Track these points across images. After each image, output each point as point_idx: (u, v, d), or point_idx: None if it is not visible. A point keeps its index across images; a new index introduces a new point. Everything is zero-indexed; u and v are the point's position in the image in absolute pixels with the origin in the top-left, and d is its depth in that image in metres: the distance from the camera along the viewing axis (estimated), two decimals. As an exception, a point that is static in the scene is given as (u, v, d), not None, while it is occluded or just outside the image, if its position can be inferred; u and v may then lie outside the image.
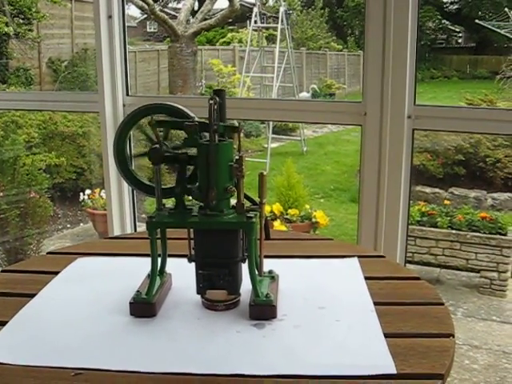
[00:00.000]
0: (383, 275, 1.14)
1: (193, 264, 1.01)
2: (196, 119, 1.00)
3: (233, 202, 1.00)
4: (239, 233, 0.99)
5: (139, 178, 1.07)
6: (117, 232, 2.37)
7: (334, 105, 2.07)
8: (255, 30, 8.82)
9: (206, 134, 0.97)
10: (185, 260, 1.03)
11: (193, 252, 1.01)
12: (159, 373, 0.82)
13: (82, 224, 5.98)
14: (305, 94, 9.95)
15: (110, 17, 2.21)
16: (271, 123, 7.54)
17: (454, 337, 0.88)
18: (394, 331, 0.91)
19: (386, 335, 0.89)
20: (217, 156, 0.95)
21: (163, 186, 1.03)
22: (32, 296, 1.10)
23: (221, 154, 0.95)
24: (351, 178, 6.91)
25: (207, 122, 0.94)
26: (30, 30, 7.55)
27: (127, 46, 2.31)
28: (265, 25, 9.09)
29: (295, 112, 1.99)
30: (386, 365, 0.81)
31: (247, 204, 1.00)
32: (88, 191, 5.56)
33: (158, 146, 0.99)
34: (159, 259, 1.07)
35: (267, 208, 5.02)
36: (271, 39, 10.30)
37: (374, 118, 1.84)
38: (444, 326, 0.91)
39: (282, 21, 7.91)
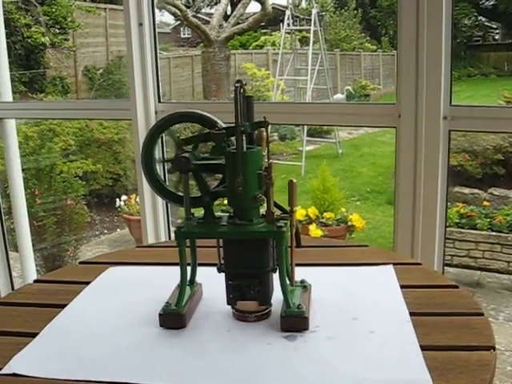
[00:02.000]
0: (419, 283, 1.10)
1: (223, 274, 0.99)
2: (223, 126, 0.98)
3: (263, 211, 0.98)
4: (269, 242, 0.97)
5: (167, 187, 1.06)
6: (151, 238, 2.37)
7: (367, 107, 2.03)
8: (288, 33, 8.81)
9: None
10: (216, 269, 1.01)
11: (222, 262, 1.00)
12: (188, 387, 0.80)
13: (118, 230, 6.05)
14: (339, 96, 9.88)
15: (140, 24, 2.21)
16: (305, 126, 7.50)
17: (494, 349, 0.84)
18: (430, 343, 0.87)
19: (423, 348, 0.85)
20: (245, 164, 0.92)
21: (191, 195, 1.01)
22: (63, 307, 1.09)
23: (249, 162, 0.93)
24: (387, 180, 6.81)
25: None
26: (65, 40, 7.69)
27: (158, 52, 2.31)
28: (297, 27, 9.04)
29: (328, 115, 1.96)
30: (423, 379, 0.77)
31: (278, 212, 0.98)
32: (124, 197, 5.61)
33: (185, 154, 0.97)
34: (189, 269, 1.06)
35: (302, 212, 4.99)
36: (304, 41, 10.27)
37: (409, 119, 1.79)
38: (484, 338, 0.87)
39: (314, 23, 7.87)
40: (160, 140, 1.09)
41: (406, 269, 1.19)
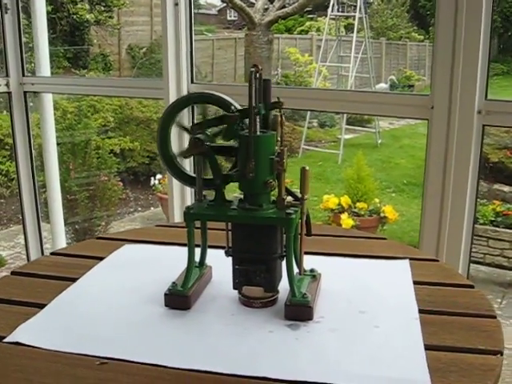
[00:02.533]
0: (434, 280, 1.07)
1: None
2: (238, 108, 0.96)
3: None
4: (278, 229, 0.95)
5: (182, 169, 1.05)
6: (177, 218, 2.38)
7: (399, 97, 1.98)
8: (333, 19, 8.69)
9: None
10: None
11: (230, 246, 0.98)
12: (183, 369, 0.80)
13: (152, 208, 6.11)
14: (382, 86, 9.72)
15: (176, 4, 2.20)
16: (345, 114, 7.41)
17: (502, 354, 0.81)
18: (436, 343, 0.84)
19: (427, 347, 0.83)
20: (257, 148, 0.91)
21: (204, 177, 1.00)
22: (74, 280, 1.10)
23: (261, 147, 0.91)
24: (424, 174, 6.68)
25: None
26: (110, 17, 7.76)
27: (193, 33, 2.30)
28: (342, 13, 8.91)
29: (356, 104, 1.92)
30: (422, 380, 0.75)
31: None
32: (159, 176, 5.66)
33: (198, 136, 0.96)
34: (198, 251, 1.05)
35: (335, 200, 4.95)
36: (350, 28, 10.11)
37: (442, 112, 1.74)
38: (492, 342, 0.84)
39: (360, 9, 7.74)
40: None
41: (423, 265, 1.15)
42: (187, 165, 1.97)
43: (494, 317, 0.92)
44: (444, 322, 0.91)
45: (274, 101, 0.95)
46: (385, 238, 1.32)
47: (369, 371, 0.78)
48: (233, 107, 0.96)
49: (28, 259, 3.09)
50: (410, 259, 1.16)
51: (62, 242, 3.09)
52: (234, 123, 0.93)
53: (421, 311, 0.94)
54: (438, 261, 1.19)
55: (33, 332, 0.91)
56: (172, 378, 0.79)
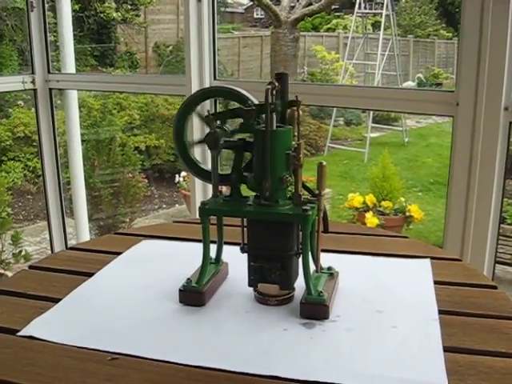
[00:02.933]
0: (456, 280, 1.04)
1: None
2: (255, 102, 0.95)
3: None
4: (295, 225, 0.93)
5: (198, 163, 1.04)
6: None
7: (424, 94, 1.94)
8: (360, 17, 8.61)
9: (266, 119, 0.91)
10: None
11: (246, 242, 0.97)
12: (194, 366, 0.79)
13: (177, 205, 6.14)
14: (410, 83, 9.62)
15: (199, 0, 2.20)
16: (371, 112, 7.35)
17: (524, 358, 0.78)
18: (455, 345, 0.82)
19: (446, 349, 0.80)
20: (273, 143, 0.89)
21: (220, 173, 0.99)
22: (90, 275, 1.10)
23: (277, 141, 0.90)
24: (450, 172, 6.58)
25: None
26: (137, 16, 7.80)
27: (216, 29, 2.29)
28: (370, 11, 8.82)
29: (382, 100, 1.89)
30: (439, 383, 0.73)
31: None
32: (183, 173, 5.67)
33: (215, 130, 0.95)
34: (214, 247, 1.04)
35: (360, 199, 4.90)
36: (377, 26, 10.01)
37: (467, 108, 1.70)
38: (514, 344, 0.81)
39: (387, 7, 7.65)
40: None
41: (445, 264, 1.13)
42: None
43: (517, 318, 0.89)
44: (464, 324, 0.88)
45: (291, 99, 0.93)
46: (406, 237, 1.30)
47: (384, 372, 0.76)
48: (250, 102, 0.95)
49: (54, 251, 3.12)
50: (432, 258, 1.13)
51: (86, 238, 3.12)
52: (250, 117, 0.92)
53: (440, 312, 0.91)
54: (460, 260, 1.15)
55: (46, 326, 0.90)
56: (183, 375, 0.78)
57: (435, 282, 1.03)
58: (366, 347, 0.82)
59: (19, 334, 0.88)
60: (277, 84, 0.89)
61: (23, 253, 3.43)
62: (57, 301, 0.99)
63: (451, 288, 1.01)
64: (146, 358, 0.81)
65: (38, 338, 0.87)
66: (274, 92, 0.89)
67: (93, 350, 0.84)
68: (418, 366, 0.77)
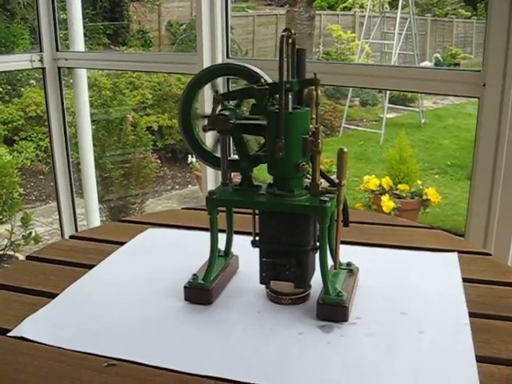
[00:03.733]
0: (486, 278, 0.95)
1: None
2: (269, 81, 0.86)
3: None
4: (311, 218, 0.85)
5: (205, 148, 0.95)
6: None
7: (447, 73, 1.83)
8: (377, -5, 8.42)
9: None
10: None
11: (257, 235, 0.89)
12: (199, 375, 0.71)
13: (190, 186, 6.07)
14: (427, 64, 9.44)
15: (212, -23, 2.10)
16: (388, 92, 7.21)
17: None
18: (489, 355, 0.73)
19: (479, 359, 0.72)
20: (288, 126, 0.80)
21: (230, 158, 0.90)
22: (90, 267, 1.03)
23: (293, 124, 0.81)
24: (470, 155, 6.43)
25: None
26: (150, -7, 7.67)
27: (229, 6, 2.19)
28: (387, -12, 8.62)
29: (401, 80, 1.78)
30: (474, 400, 0.64)
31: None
32: (196, 154, 5.59)
33: (225, 111, 0.86)
34: (224, 239, 0.96)
35: (376, 181, 4.79)
36: (394, 5, 9.81)
37: (495, 89, 1.59)
38: (557, 355, 0.72)
39: (405, -16, 7.46)
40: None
41: (473, 259, 1.04)
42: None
43: (558, 324, 0.80)
44: (499, 329, 0.79)
45: (309, 77, 0.83)
46: (431, 227, 1.21)
47: (411, 386, 0.67)
48: (263, 80, 0.86)
49: (62, 236, 3.07)
50: (459, 252, 1.04)
51: (96, 220, 3.07)
52: (263, 98, 0.83)
53: (472, 314, 0.83)
54: (490, 255, 1.06)
55: (39, 326, 0.83)
56: (185, 385, 0.70)
57: (464, 280, 0.94)
58: (390, 356, 0.73)
59: (9, 334, 0.81)
60: (293, 32, 0.80)
61: (33, 235, 3.38)
62: (53, 296, 0.92)
63: (481, 286, 0.92)
64: (146, 365, 0.73)
65: (29, 340, 0.80)
66: (290, 41, 0.79)
67: (88, 354, 0.76)
68: (449, 379, 0.68)
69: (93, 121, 2.98)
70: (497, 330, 0.79)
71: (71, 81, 2.86)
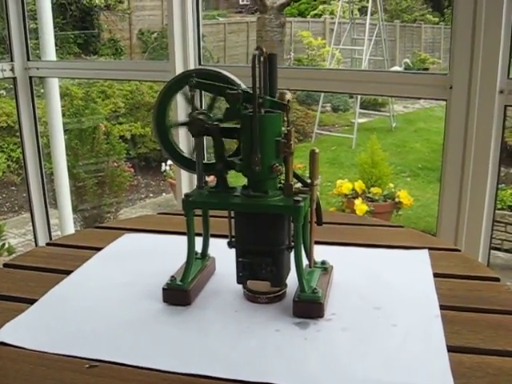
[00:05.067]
0: (456, 273, 0.99)
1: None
2: (242, 86, 0.88)
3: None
4: (286, 217, 0.87)
5: (180, 152, 0.97)
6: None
7: (415, 77, 1.87)
8: (346, 2, 8.52)
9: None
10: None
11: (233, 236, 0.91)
12: (179, 373, 0.72)
13: (164, 194, 6.06)
14: (397, 69, 9.56)
15: (182, -16, 2.12)
16: (359, 97, 7.29)
17: (535, 358, 0.72)
18: (460, 344, 0.76)
19: (450, 348, 0.75)
20: (262, 129, 0.82)
21: (205, 162, 0.92)
22: (68, 273, 1.03)
23: (266, 127, 0.83)
24: (441, 157, 6.54)
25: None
26: (120, 2, 7.66)
27: (201, 14, 2.21)
28: (356, -5, 8.73)
29: (371, 84, 1.82)
30: (445, 387, 0.67)
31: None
32: (170, 162, 5.58)
33: (199, 116, 0.88)
34: (200, 240, 0.97)
35: (349, 185, 4.85)
36: (364, 11, 9.93)
37: (461, 92, 1.64)
38: (523, 343, 0.76)
39: (373, -9, 7.57)
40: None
41: (443, 255, 1.07)
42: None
43: (524, 314, 0.84)
44: (468, 320, 0.82)
45: (282, 102, 0.86)
46: (402, 226, 1.24)
47: (385, 377, 0.70)
48: (237, 86, 0.88)
49: (36, 246, 3.04)
50: (430, 249, 1.08)
51: (70, 230, 3.05)
52: (237, 102, 0.85)
53: (442, 307, 0.86)
54: (459, 251, 1.10)
55: (19, 331, 0.84)
56: (166, 383, 0.71)
57: (435, 275, 0.97)
58: (365, 349, 0.76)
59: (-11, 339, 0.82)
60: (264, 50, 0.82)
61: (6, 246, 3.35)
62: (32, 302, 0.93)
63: (452, 281, 0.96)
64: (127, 365, 0.74)
65: (10, 345, 0.80)
66: (262, 59, 0.82)
67: (70, 356, 0.77)
68: (422, 368, 0.71)
69: (65, 130, 2.96)
70: (466, 321, 0.82)
71: (42, 90, 2.85)
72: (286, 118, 0.86)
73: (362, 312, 0.86)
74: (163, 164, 5.65)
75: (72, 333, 0.83)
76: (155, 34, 8.57)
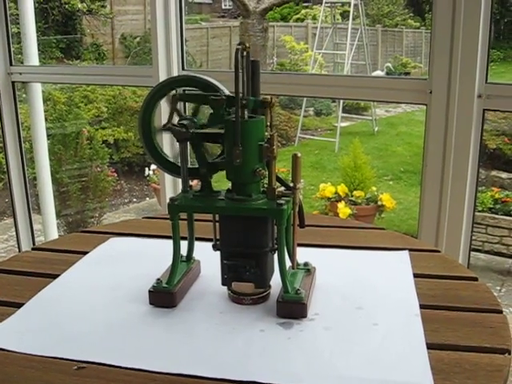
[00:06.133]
0: (436, 273, 1.01)
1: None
2: (226, 93, 0.90)
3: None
4: (269, 220, 0.89)
5: (165, 156, 0.99)
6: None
7: (396, 82, 1.91)
8: (328, 6, 8.59)
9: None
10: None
11: (218, 239, 0.92)
12: (166, 373, 0.74)
13: (147, 199, 6.05)
14: (379, 73, 9.66)
15: (165, -11, 2.13)
16: (341, 101, 7.34)
17: (510, 353, 0.75)
18: (439, 341, 0.78)
19: (429, 346, 0.77)
20: (245, 134, 0.84)
21: (189, 166, 0.94)
22: (55, 277, 1.04)
23: (250, 132, 0.85)
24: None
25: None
26: (102, 7, 7.64)
27: (184, 19, 2.23)
28: (338, 0, 8.80)
29: (353, 89, 1.85)
30: (424, 383, 0.69)
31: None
32: (153, 166, 5.58)
33: (183, 121, 0.90)
34: (186, 244, 0.99)
35: (332, 189, 4.88)
36: (346, 16, 10.01)
37: (441, 96, 1.67)
38: (499, 339, 0.78)
39: (355, -4, 7.64)
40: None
41: (423, 256, 1.10)
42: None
43: (500, 311, 0.86)
44: (447, 318, 0.85)
45: (265, 99, 0.88)
46: (383, 228, 1.27)
47: (366, 374, 0.72)
48: (220, 91, 0.90)
49: (20, 252, 3.03)
50: (410, 250, 1.10)
51: (54, 235, 3.04)
52: (220, 107, 0.87)
53: (422, 306, 0.88)
54: (439, 251, 1.13)
55: (7, 334, 0.85)
56: (154, 383, 0.73)
57: (415, 275, 1.00)
58: (347, 347, 0.78)
59: (-23, 343, 0.82)
60: (247, 45, 0.84)
61: (-12, 252, 3.32)
62: (19, 306, 0.94)
63: (431, 281, 0.98)
64: (115, 366, 0.76)
65: (-3, 348, 0.81)
66: (245, 53, 0.84)
67: (58, 358, 0.78)
68: (402, 365, 0.73)
69: (48, 135, 2.95)
70: (445, 319, 0.85)
71: (24, 95, 2.84)
72: (269, 123, 0.88)
73: (344, 312, 0.88)
74: (146, 169, 5.65)
75: (59, 335, 0.84)
76: (138, 39, 8.56)
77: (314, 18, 11.07)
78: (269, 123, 0.88)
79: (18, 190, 2.84)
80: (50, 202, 3.00)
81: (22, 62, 2.76)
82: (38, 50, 2.79)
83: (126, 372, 0.75)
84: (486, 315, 0.86)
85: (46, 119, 2.95)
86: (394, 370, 0.73)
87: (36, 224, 3.04)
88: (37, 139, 2.86)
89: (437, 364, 0.73)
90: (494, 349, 0.76)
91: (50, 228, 3.01)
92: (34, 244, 2.98)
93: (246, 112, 0.85)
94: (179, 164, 0.95)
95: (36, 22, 2.77)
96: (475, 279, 0.99)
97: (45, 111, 2.92)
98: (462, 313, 0.87)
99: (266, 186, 0.89)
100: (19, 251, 3.02)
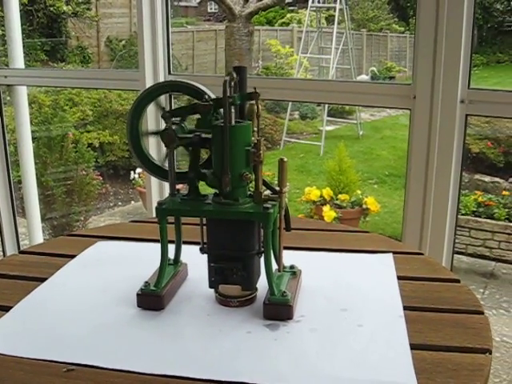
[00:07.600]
0: (419, 275, 1.03)
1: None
2: (212, 97, 0.91)
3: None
4: (256, 224, 0.90)
5: (153, 161, 1.00)
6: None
7: (380, 87, 1.93)
8: (314, 11, 8.63)
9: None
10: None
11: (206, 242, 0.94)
12: (154, 374, 0.75)
13: (133, 202, 6.04)
14: (363, 77, 9.72)
15: (151, -7, 2.14)
16: (326, 105, 7.38)
17: (491, 353, 0.77)
18: (422, 342, 0.80)
19: (413, 346, 0.79)
20: (232, 139, 0.86)
21: (177, 170, 0.95)
22: (43, 281, 1.05)
23: (236, 137, 0.86)
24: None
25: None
26: (88, 9, 7.62)
27: (170, 23, 2.24)
28: (323, 5, 8.85)
29: (338, 94, 1.87)
30: (408, 383, 0.71)
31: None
32: (139, 170, 5.58)
33: (171, 126, 0.91)
34: (174, 248, 1.00)
35: (317, 192, 4.91)
36: (331, 20, 10.07)
37: (424, 101, 1.70)
38: (480, 340, 0.80)
39: (340, 1, 7.69)
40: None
41: (407, 259, 1.12)
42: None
43: (482, 313, 0.88)
44: (430, 320, 0.87)
45: (250, 91, 0.90)
46: (368, 232, 1.28)
47: (352, 374, 0.73)
48: (207, 96, 0.91)
49: (4, 256, 3.01)
50: (394, 253, 1.12)
51: (39, 239, 3.02)
52: (208, 113, 0.88)
53: (405, 308, 0.90)
54: (422, 254, 1.15)
55: (-4, 337, 0.85)
56: (142, 384, 0.74)
57: (399, 278, 1.02)
58: (332, 348, 0.80)
59: (-34, 346, 0.83)
60: (235, 75, 0.86)
61: (-27, 255, 3.30)
62: (8, 309, 0.94)
63: (415, 283, 1.00)
64: (104, 368, 0.77)
65: (-14, 351, 0.82)
66: (232, 84, 0.86)
67: (47, 361, 0.79)
68: (386, 366, 0.75)
69: (33, 138, 2.94)
70: (428, 320, 0.87)
71: (8, 98, 2.83)
72: (255, 128, 0.89)
73: (329, 314, 0.89)
74: (132, 172, 5.64)
75: (49, 338, 0.85)
76: (123, 42, 8.55)
77: (300, 22, 11.12)
78: (256, 128, 0.89)
79: (2, 193, 2.83)
80: (35, 205, 2.98)
81: (6, 65, 2.75)
82: (23, 52, 2.78)
83: (115, 374, 0.76)
84: (468, 316, 0.88)
85: (31, 122, 2.95)
86: (378, 370, 0.74)
87: (21, 227, 3.03)
88: (22, 142, 2.85)
89: (420, 364, 0.75)
90: (475, 349, 0.78)
91: (35, 231, 3.00)
92: (18, 247, 2.97)
93: (233, 117, 0.86)
94: (166, 168, 0.97)
95: (21, 25, 2.77)
96: (457, 281, 1.01)
97: (30, 114, 2.91)
98: (445, 314, 0.89)
99: (252, 189, 0.90)
100: (4, 255, 3.00)
